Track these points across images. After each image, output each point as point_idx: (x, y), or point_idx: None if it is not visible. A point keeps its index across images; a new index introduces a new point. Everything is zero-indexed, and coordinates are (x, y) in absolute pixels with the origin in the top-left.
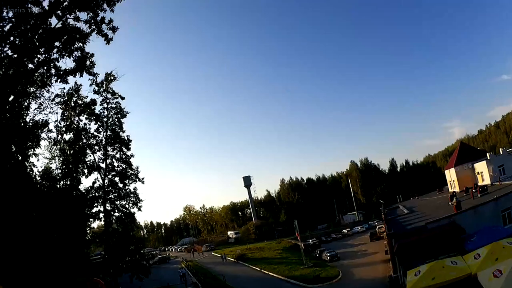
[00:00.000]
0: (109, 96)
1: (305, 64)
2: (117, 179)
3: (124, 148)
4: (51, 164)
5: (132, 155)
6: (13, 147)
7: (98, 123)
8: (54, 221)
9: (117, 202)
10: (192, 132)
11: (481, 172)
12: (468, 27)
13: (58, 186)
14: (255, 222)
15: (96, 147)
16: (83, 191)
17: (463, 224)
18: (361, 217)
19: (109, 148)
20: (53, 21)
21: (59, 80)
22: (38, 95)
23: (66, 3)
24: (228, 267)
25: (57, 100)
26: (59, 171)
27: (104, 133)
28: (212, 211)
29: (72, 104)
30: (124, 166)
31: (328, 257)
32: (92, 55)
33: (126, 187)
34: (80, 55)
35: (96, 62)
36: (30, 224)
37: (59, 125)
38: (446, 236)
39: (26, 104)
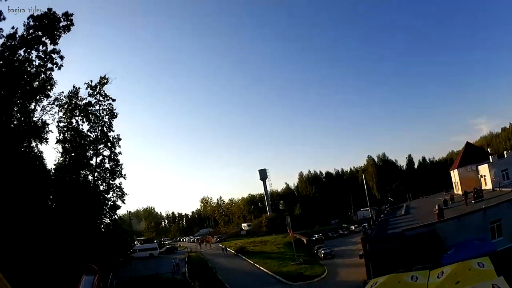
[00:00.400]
0: (101, 98)
1: (324, 57)
2: (104, 175)
3: (112, 147)
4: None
5: (120, 153)
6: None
7: (91, 123)
8: (67, 210)
9: (104, 196)
10: (212, 126)
11: (484, 176)
12: (497, 21)
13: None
14: (268, 215)
15: (87, 146)
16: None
17: (445, 234)
18: (374, 214)
19: (99, 147)
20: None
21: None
22: (42, 98)
23: (30, 37)
24: (226, 259)
25: (57, 103)
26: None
27: (95, 133)
28: (232, 202)
29: (72, 106)
30: (112, 164)
31: (322, 255)
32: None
33: (112, 182)
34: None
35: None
36: (44, 213)
37: (61, 125)
38: (423, 246)
39: (32, 106)
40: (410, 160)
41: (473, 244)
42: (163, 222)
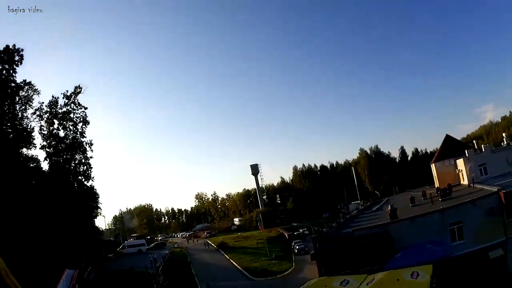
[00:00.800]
0: (74, 107)
1: (320, 44)
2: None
3: (85, 152)
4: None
5: (91, 157)
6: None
7: (66, 130)
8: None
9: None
10: (212, 121)
11: (462, 170)
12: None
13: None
14: (260, 209)
15: (63, 152)
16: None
17: (399, 236)
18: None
19: (73, 152)
20: None
21: None
22: (28, 107)
23: None
24: (207, 254)
25: (38, 112)
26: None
27: (69, 140)
28: (229, 197)
29: (52, 115)
30: (85, 167)
31: (296, 250)
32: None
33: (87, 184)
34: None
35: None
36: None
37: (43, 132)
38: (373, 247)
39: (20, 114)
40: (403, 152)
41: (423, 248)
42: (163, 218)
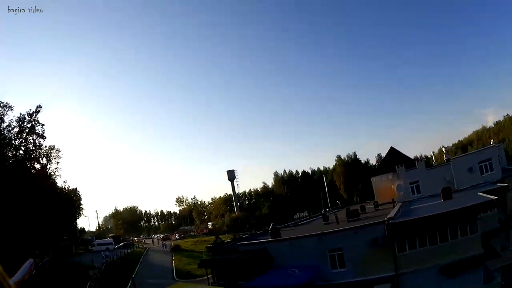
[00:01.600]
0: (34, 124)
1: (311, 41)
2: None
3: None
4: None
5: (47, 166)
6: None
7: (27, 144)
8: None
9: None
10: (199, 127)
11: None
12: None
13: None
14: (235, 214)
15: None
16: None
17: (278, 255)
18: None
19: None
20: None
21: None
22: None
23: None
24: (161, 255)
25: (8, 128)
26: None
27: (30, 152)
28: (213, 201)
29: (19, 130)
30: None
31: None
32: None
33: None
34: None
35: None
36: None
37: (13, 143)
38: (251, 263)
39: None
40: (380, 160)
41: (286, 272)
42: (152, 220)
